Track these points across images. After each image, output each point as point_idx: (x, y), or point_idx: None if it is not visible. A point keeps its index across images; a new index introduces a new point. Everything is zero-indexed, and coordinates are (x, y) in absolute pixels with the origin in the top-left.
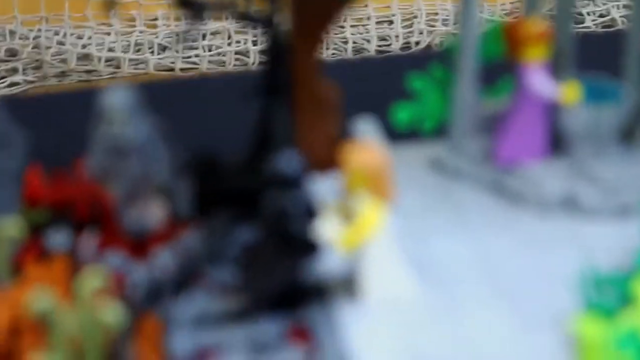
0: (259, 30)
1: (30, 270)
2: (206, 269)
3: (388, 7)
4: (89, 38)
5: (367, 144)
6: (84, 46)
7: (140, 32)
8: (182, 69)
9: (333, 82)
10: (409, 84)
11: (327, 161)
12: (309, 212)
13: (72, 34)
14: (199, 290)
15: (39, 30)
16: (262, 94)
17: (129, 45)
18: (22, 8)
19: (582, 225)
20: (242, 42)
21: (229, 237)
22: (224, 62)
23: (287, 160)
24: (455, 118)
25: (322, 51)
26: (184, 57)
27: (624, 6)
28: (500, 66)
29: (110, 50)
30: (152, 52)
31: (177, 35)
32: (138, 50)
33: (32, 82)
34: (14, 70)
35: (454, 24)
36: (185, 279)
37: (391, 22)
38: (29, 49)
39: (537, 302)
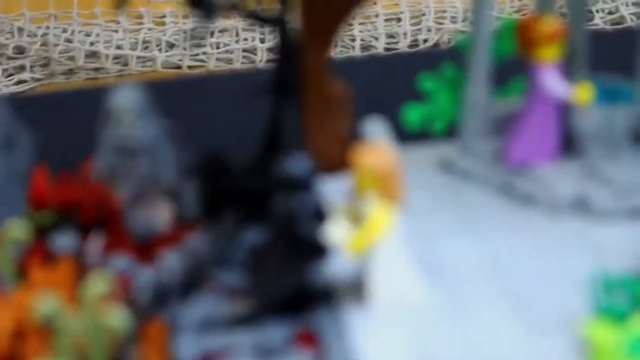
0: (268, 29)
1: (36, 273)
2: (213, 272)
3: (396, 4)
4: (97, 35)
5: (376, 145)
6: (91, 44)
7: (149, 29)
8: (189, 67)
9: (343, 82)
10: (420, 83)
11: (336, 162)
12: (318, 215)
13: (80, 32)
14: (206, 294)
15: (47, 27)
16: (272, 93)
17: (136, 42)
18: (30, 5)
19: (594, 227)
20: (250, 39)
21: (236, 240)
22: (232, 60)
23: (296, 162)
24: (466, 118)
25: (332, 50)
26: (191, 55)
27: (634, 3)
28: (512, 65)
29: (118, 47)
30: (160, 50)
31: (186, 33)
32: (146, 48)
33: (39, 79)
34: (22, 68)
35: (466, 21)
36: (191, 282)
37: (399, 20)
38: (37, 46)
39: (547, 305)
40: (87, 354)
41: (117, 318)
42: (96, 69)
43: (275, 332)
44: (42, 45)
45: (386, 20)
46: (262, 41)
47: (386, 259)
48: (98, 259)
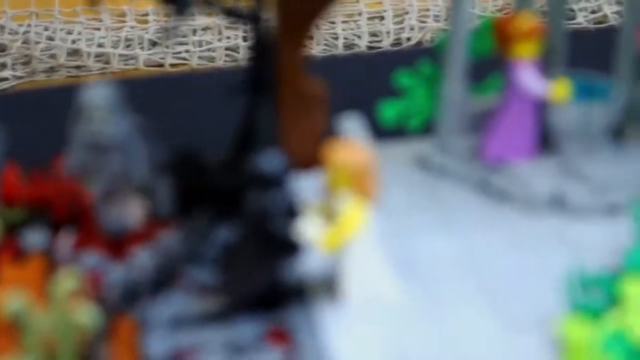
0: (245, 26)
1: (5, 270)
2: (185, 270)
3: (379, 2)
4: (79, 33)
5: (350, 142)
6: (73, 41)
7: (131, 27)
8: (172, 65)
9: (319, 79)
10: (397, 80)
11: (311, 159)
12: (291, 212)
13: (61, 29)
14: (177, 291)
15: (29, 25)
16: (247, 90)
17: (119, 40)
18: (11, 3)
19: (570, 224)
20: (233, 37)
21: (208, 237)
22: (214, 58)
23: (269, 159)
24: (443, 115)
25: (308, 48)
26: (174, 53)
27: (616, 2)
28: (489, 63)
29: (100, 45)
30: (142, 48)
31: (164, 30)
32: (128, 46)
33: (20, 77)
34: (3, 66)
35: (445, 19)
36: (163, 280)
37: (382, 18)
38: (18, 44)
39: (523, 302)
40: (56, 351)
41: (87, 315)
42: (78, 67)
43: (246, 329)
44: (23, 43)
45: (369, 18)
46: (245, 39)
47: (360, 256)
48: (69, 255)
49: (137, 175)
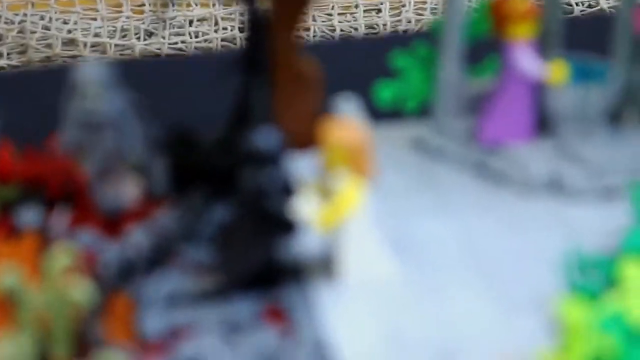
0: (240, 6)
1: None
2: (181, 248)
3: None
4: (75, 23)
5: (347, 121)
6: (69, 31)
7: (127, 17)
8: (168, 55)
9: (314, 60)
10: (393, 62)
11: (306, 139)
12: (287, 190)
13: (57, 19)
14: (173, 270)
15: (25, 14)
16: (242, 70)
17: (115, 30)
18: None
19: (567, 207)
20: (229, 28)
21: (204, 215)
22: (211, 49)
23: (264, 137)
24: (439, 97)
25: (302, 27)
26: (170, 44)
27: None
28: (486, 44)
29: (96, 35)
30: (139, 38)
31: (158, 19)
32: (124, 36)
33: (16, 66)
34: None
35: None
36: (158, 258)
37: (379, 11)
38: (14, 33)
39: (520, 284)
40: (50, 328)
41: (81, 292)
42: (73, 57)
43: (242, 308)
44: (19, 32)
45: (366, 11)
46: (241, 30)
47: (356, 235)
48: (63, 233)
49: (131, 153)
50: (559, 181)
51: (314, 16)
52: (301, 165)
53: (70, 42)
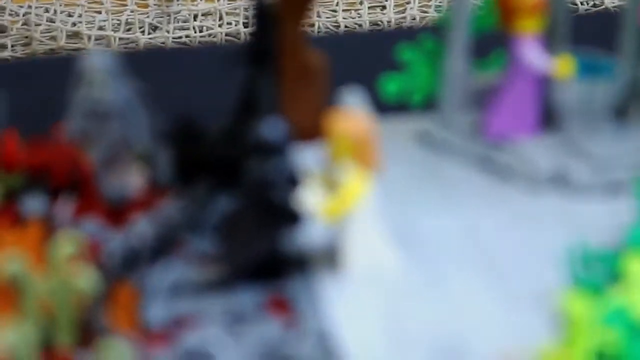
0: (245, 0)
1: (4, 235)
2: (185, 238)
3: None
4: (80, 16)
5: (352, 113)
6: (74, 24)
7: (132, 11)
8: (173, 48)
9: (320, 52)
10: (399, 55)
11: (312, 130)
12: (292, 181)
13: (62, 12)
14: (177, 259)
15: (29, 7)
16: (248, 61)
17: (119, 24)
18: None
19: (572, 201)
20: (234, 23)
21: (209, 206)
22: (215, 43)
23: (270, 128)
24: (445, 91)
25: (309, 19)
26: (174, 38)
27: None
28: (492, 38)
29: (101, 28)
30: (143, 32)
31: (159, 10)
32: (128, 30)
33: (20, 59)
34: (3, 47)
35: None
36: (163, 248)
37: (384, 8)
38: (19, 25)
39: (524, 278)
40: (54, 316)
41: (85, 280)
42: (78, 50)
43: (246, 298)
44: (23, 24)
45: (370, 7)
46: (246, 25)
47: (360, 227)
48: (68, 222)
49: (137, 142)
50: (565, 176)
51: (318, 12)
52: (306, 157)
53: (75, 35)
